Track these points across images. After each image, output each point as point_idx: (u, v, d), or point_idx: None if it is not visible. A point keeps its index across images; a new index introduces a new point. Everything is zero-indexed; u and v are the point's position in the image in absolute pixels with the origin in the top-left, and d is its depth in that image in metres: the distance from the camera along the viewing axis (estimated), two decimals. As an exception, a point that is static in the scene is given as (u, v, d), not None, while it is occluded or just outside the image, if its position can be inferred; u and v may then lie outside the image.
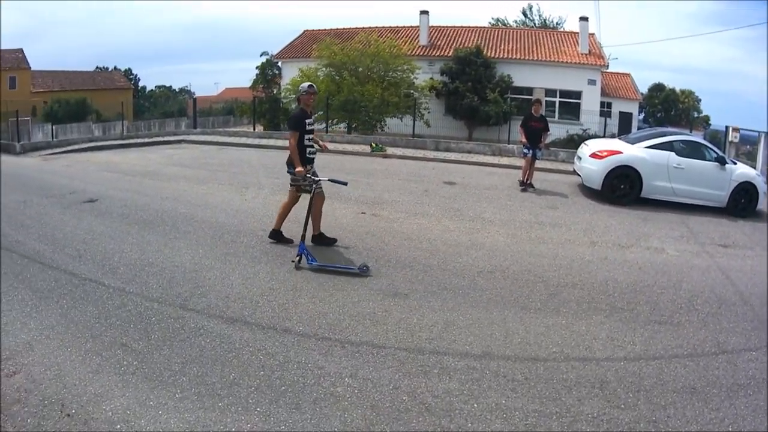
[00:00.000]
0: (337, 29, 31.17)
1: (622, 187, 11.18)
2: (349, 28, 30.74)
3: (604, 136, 18.87)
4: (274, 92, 28.32)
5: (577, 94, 27.16)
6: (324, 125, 20.88)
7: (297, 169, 6.53)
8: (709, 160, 11.23)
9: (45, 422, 3.39)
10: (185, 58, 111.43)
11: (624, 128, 26.43)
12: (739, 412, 3.93)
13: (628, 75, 37.21)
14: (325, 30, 31.57)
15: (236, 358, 4.27)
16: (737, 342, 5.16)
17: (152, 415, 3.50)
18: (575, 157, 12.95)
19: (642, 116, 41.98)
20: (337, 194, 9.50)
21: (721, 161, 11.18)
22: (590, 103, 26.48)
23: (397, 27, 31.42)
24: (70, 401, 3.60)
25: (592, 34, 29.00)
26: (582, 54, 27.51)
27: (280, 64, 30.55)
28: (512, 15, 47.84)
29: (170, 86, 62.44)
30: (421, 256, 6.97)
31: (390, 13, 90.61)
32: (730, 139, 18.52)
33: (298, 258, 6.39)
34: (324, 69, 23.32)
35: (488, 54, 26.67)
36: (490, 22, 45.19)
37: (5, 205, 8.84)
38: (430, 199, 10.55)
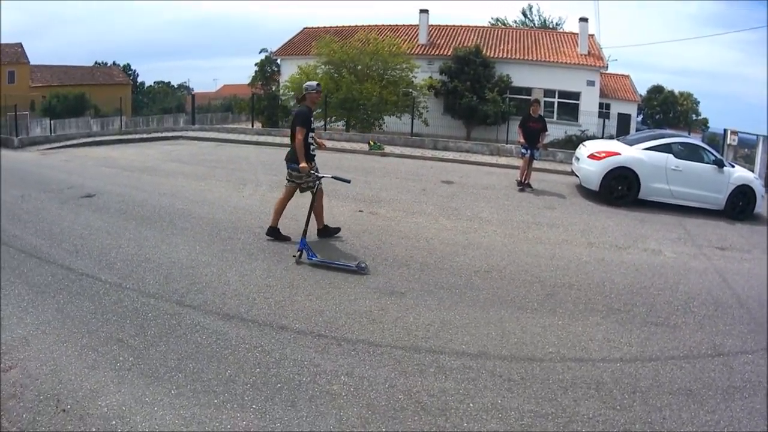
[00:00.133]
0: (337, 27, 31.18)
1: (620, 188, 11.19)
2: (349, 26, 30.73)
3: (602, 138, 18.85)
4: (273, 89, 28.34)
5: (576, 95, 27.15)
6: (322, 123, 20.85)
7: (301, 165, 6.52)
8: (707, 163, 11.23)
9: (40, 417, 3.38)
10: (184, 55, 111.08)
11: (622, 130, 26.52)
12: (734, 415, 3.94)
13: (627, 76, 37.27)
14: (324, 28, 31.57)
15: (232, 354, 4.27)
16: (733, 344, 5.17)
17: (148, 411, 3.49)
18: (573, 158, 12.97)
19: (640, 118, 42.02)
20: (334, 192, 9.50)
21: (719, 164, 11.19)
22: (589, 104, 26.46)
23: (397, 25, 31.34)
24: (66, 397, 3.59)
25: (592, 35, 29.00)
26: (581, 55, 27.51)
27: (279, 61, 30.58)
28: (512, 15, 47.91)
29: (169, 82, 62.32)
30: (418, 255, 6.97)
31: (390, 12, 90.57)
32: (728, 141, 18.50)
33: (299, 253, 6.43)
34: (323, 66, 23.28)
35: (487, 54, 26.64)
36: (489, 22, 45.18)
37: (3, 200, 8.81)
38: (428, 198, 10.55)
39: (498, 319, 5.24)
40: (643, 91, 42.27)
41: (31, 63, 42.21)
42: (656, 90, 46.00)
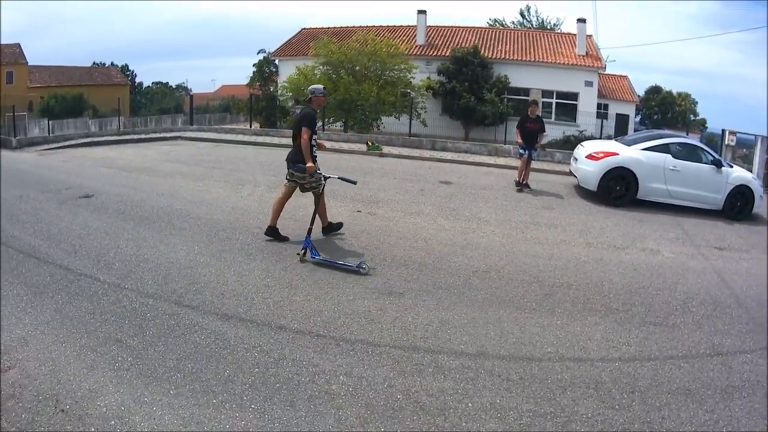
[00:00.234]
0: (335, 28, 31.20)
1: (618, 188, 11.20)
2: (347, 27, 30.74)
3: (600, 138, 18.87)
4: (271, 90, 28.30)
5: (574, 96, 27.21)
6: (321, 124, 20.85)
7: (308, 165, 6.61)
8: (706, 163, 11.26)
9: (39, 418, 3.38)
10: (183, 55, 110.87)
11: (620, 130, 26.59)
12: (733, 414, 3.95)
13: (625, 77, 37.30)
14: (322, 28, 31.54)
15: (231, 355, 4.27)
16: (732, 344, 5.18)
17: (146, 412, 3.49)
18: (571, 159, 12.97)
19: (638, 118, 42.04)
20: (332, 192, 9.48)
21: (718, 164, 11.21)
22: (587, 104, 26.51)
23: (395, 26, 31.41)
24: (65, 397, 3.59)
25: (590, 36, 29.06)
26: (579, 55, 27.57)
27: (277, 61, 30.58)
28: (510, 15, 47.98)
29: (167, 83, 62.22)
30: (416, 255, 6.97)
31: (388, 13, 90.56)
32: (726, 142, 18.55)
33: (303, 251, 6.47)
34: (321, 67, 23.27)
35: (485, 54, 26.70)
36: (487, 23, 45.25)
37: (2, 200, 8.79)
38: (426, 199, 10.56)
39: (496, 319, 5.24)
40: (641, 91, 42.32)
41: (30, 63, 42.17)
42: (654, 90, 46.01)
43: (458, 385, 4.03)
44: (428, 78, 25.36)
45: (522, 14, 46.54)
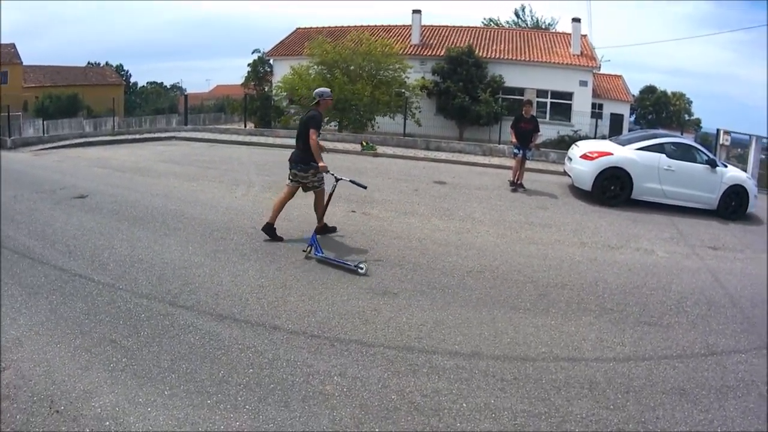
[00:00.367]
0: (330, 27, 31.12)
1: (613, 188, 11.22)
2: (341, 27, 30.68)
3: (594, 138, 18.91)
4: (266, 90, 28.18)
5: (569, 95, 27.22)
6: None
7: (321, 165, 6.78)
8: (700, 163, 11.29)
9: (34, 419, 3.37)
10: (177, 55, 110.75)
11: (615, 130, 26.56)
12: (728, 414, 3.97)
13: (619, 77, 37.36)
14: (317, 28, 31.49)
15: (225, 355, 4.26)
16: (726, 344, 5.20)
17: (141, 412, 3.49)
18: (566, 158, 12.98)
19: (633, 118, 42.22)
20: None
21: (712, 164, 11.24)
22: (581, 104, 26.53)
23: (390, 26, 31.38)
24: (59, 398, 3.58)
25: (585, 36, 29.12)
26: (574, 55, 27.59)
27: (271, 61, 30.42)
28: (505, 15, 48.03)
29: (162, 83, 62.07)
30: (410, 255, 6.98)
31: (382, 12, 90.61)
32: (721, 141, 18.63)
33: (309, 248, 6.54)
34: (315, 67, 23.19)
35: (480, 54, 26.68)
36: (482, 22, 45.17)
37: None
38: (420, 199, 10.56)
39: (491, 319, 5.25)
40: (635, 91, 42.57)
41: (24, 63, 41.96)
42: (649, 90, 46.25)
43: (453, 386, 4.04)
44: (423, 78, 25.29)
45: (516, 14, 46.59)
